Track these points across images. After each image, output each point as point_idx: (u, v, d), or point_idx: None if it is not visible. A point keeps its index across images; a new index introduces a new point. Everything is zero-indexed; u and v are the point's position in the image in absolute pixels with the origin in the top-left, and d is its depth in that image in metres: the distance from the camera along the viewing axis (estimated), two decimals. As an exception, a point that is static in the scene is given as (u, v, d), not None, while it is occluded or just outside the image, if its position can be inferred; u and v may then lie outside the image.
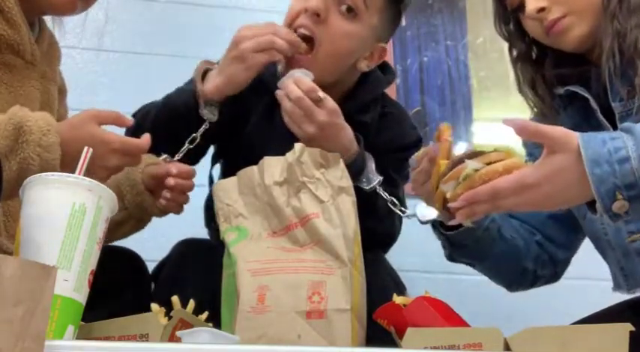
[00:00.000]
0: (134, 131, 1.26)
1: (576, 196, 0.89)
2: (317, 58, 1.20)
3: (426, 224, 1.16)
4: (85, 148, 0.79)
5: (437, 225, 1.16)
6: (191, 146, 1.19)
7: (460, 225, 1.09)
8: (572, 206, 1.03)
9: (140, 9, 2.13)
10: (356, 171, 1.16)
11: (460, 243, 1.15)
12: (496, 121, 2.53)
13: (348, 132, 1.17)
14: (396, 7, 1.28)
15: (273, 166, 1.04)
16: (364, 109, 1.29)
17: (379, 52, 1.28)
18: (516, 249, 1.21)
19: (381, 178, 1.19)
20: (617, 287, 1.19)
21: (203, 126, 1.19)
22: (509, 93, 2.33)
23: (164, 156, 1.19)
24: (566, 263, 1.28)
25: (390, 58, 2.31)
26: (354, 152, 1.17)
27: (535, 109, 1.22)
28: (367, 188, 1.18)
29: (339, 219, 0.98)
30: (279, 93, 1.16)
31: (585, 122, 1.14)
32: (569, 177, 0.87)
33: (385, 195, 1.18)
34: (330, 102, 1.13)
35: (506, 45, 1.25)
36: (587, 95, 1.13)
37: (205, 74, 1.21)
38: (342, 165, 1.04)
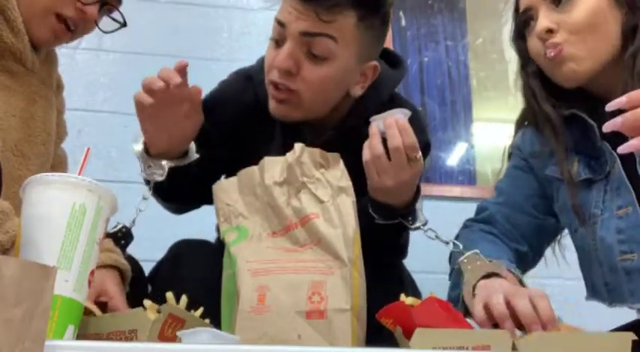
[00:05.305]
0: None
1: None
2: (302, 103, 1.16)
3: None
4: (86, 148, 0.79)
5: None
6: (142, 210, 1.16)
7: None
8: None
9: (140, 9, 2.13)
10: (407, 213, 1.13)
11: None
12: (495, 121, 2.53)
13: (415, 184, 1.12)
14: (373, 27, 1.16)
15: (273, 166, 1.04)
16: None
17: (372, 70, 1.21)
18: None
19: (427, 220, 1.14)
20: (593, 296, 1.17)
21: (150, 185, 1.17)
22: (508, 94, 2.33)
23: (120, 225, 1.17)
24: (533, 262, 1.25)
25: (389, 58, 2.31)
26: (412, 199, 1.13)
27: (539, 122, 1.18)
28: (412, 227, 1.14)
29: (339, 219, 0.97)
30: (374, 128, 1.08)
31: (587, 142, 1.13)
32: None
33: (436, 236, 1.14)
34: (420, 165, 1.08)
35: (506, 45, 1.24)
36: (592, 122, 1.11)
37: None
38: (341, 165, 1.04)
